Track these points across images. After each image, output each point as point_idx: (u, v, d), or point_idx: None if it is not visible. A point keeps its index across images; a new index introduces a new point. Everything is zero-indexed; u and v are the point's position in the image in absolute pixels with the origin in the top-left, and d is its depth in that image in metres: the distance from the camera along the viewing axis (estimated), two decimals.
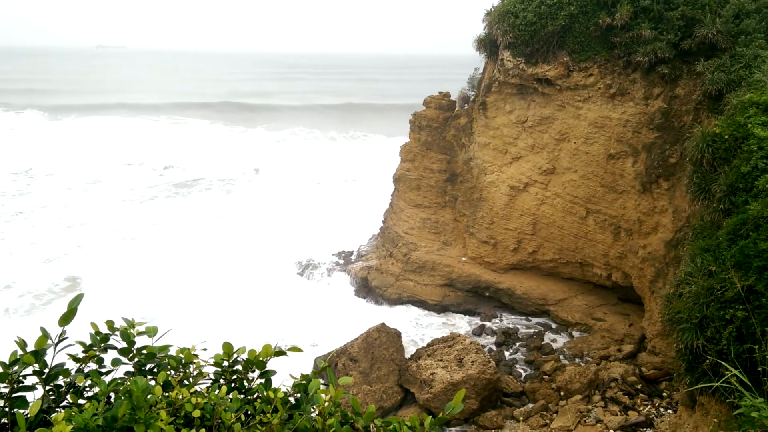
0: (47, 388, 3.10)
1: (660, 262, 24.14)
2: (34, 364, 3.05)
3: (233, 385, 3.46)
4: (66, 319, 3.15)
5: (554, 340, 27.94)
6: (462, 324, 30.03)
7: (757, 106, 14.83)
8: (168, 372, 3.36)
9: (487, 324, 29.78)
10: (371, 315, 29.19)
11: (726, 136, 14.58)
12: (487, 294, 31.24)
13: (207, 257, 35.90)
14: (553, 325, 29.22)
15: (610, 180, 26.91)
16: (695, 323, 11.17)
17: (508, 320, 30.07)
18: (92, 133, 78.35)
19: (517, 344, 27.72)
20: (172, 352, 3.46)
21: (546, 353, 26.44)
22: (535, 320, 29.87)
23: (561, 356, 26.20)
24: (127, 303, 26.41)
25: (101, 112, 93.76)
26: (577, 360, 25.78)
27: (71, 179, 55.67)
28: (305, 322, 28.07)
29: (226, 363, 3.47)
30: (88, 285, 31.53)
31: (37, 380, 3.09)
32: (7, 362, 3.04)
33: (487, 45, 29.54)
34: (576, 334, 28.15)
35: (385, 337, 23.72)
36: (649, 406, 21.31)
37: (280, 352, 3.46)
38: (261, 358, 3.42)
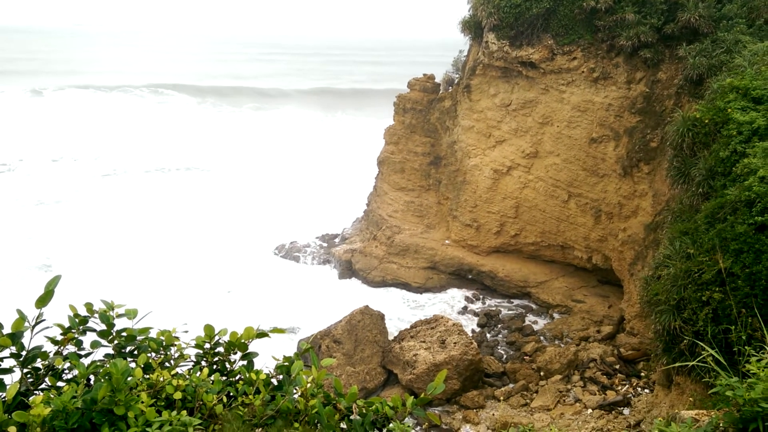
0: (25, 370, 3.06)
1: (639, 245, 24.49)
2: (11, 347, 3.00)
3: (215, 367, 3.45)
4: (43, 301, 3.09)
5: (535, 322, 28.32)
6: (445, 306, 30.26)
7: (737, 91, 14.97)
8: (148, 354, 3.33)
9: (470, 306, 30.07)
10: (355, 297, 29.26)
11: (706, 121, 14.73)
12: (470, 276, 31.49)
13: (189, 239, 35.61)
14: (534, 307, 29.59)
15: (592, 164, 27.12)
16: (673, 305, 11.38)
17: (490, 302, 30.38)
18: (74, 109, 76.83)
19: (499, 326, 28.05)
20: (153, 334, 3.42)
21: (527, 334, 26.80)
22: (516, 302, 30.20)
23: (541, 337, 26.58)
24: (106, 285, 26.13)
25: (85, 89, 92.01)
26: (557, 341, 26.17)
27: (51, 157, 54.63)
28: (289, 304, 28.08)
29: (207, 345, 3.45)
30: (66, 266, 31.09)
31: (15, 363, 3.04)
32: None
33: (472, 27, 29.39)
34: (556, 315, 28.55)
35: (369, 319, 23.84)
36: (627, 386, 21.76)
37: (262, 334, 3.44)
38: (243, 340, 3.40)
